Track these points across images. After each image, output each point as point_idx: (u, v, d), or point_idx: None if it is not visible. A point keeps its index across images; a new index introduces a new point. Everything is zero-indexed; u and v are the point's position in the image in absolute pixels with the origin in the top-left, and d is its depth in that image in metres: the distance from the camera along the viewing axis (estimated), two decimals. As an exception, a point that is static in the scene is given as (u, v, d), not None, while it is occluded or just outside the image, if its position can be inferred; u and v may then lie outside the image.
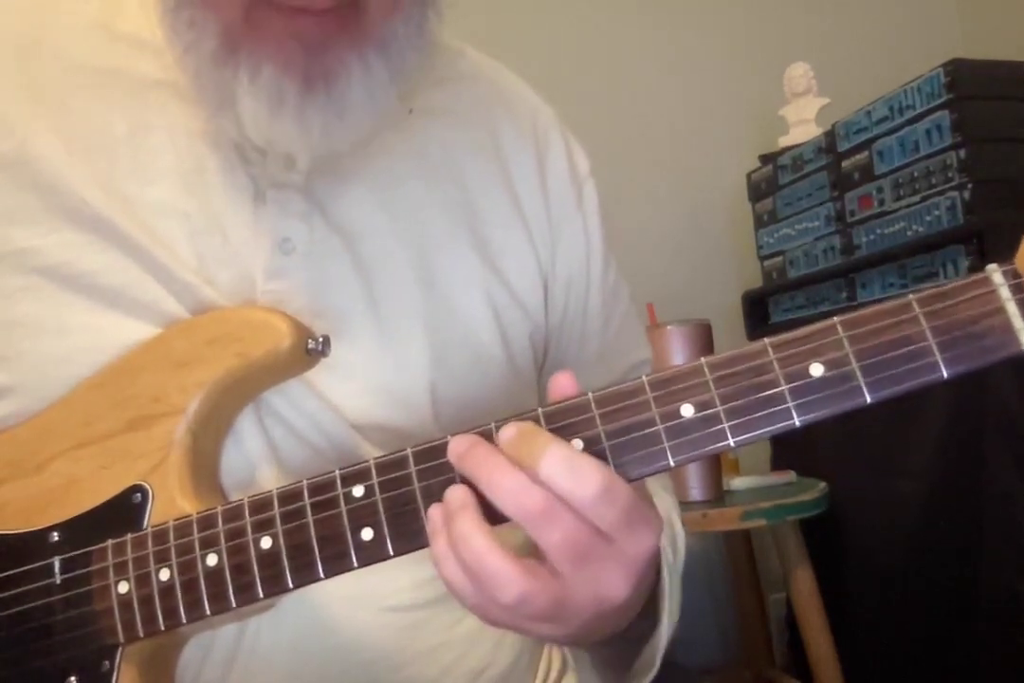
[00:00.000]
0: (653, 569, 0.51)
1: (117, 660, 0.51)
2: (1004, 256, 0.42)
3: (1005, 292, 0.41)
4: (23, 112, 0.58)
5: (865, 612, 1.55)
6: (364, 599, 0.58)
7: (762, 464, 1.78)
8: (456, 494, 0.45)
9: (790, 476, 1.60)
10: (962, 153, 1.33)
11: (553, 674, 0.69)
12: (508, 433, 0.45)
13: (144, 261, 0.56)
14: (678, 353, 1.42)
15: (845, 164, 1.59)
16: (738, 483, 1.56)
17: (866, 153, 1.53)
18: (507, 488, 0.43)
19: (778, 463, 1.76)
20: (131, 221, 0.56)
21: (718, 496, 1.48)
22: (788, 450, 1.74)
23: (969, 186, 1.32)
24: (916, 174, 1.42)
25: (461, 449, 0.46)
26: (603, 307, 0.73)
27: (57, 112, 0.58)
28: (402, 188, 0.63)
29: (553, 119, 0.73)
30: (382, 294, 0.61)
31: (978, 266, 1.37)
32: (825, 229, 1.66)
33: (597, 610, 0.46)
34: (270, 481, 0.56)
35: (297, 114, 0.52)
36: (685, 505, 1.44)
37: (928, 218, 1.40)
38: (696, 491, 1.46)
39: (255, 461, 0.57)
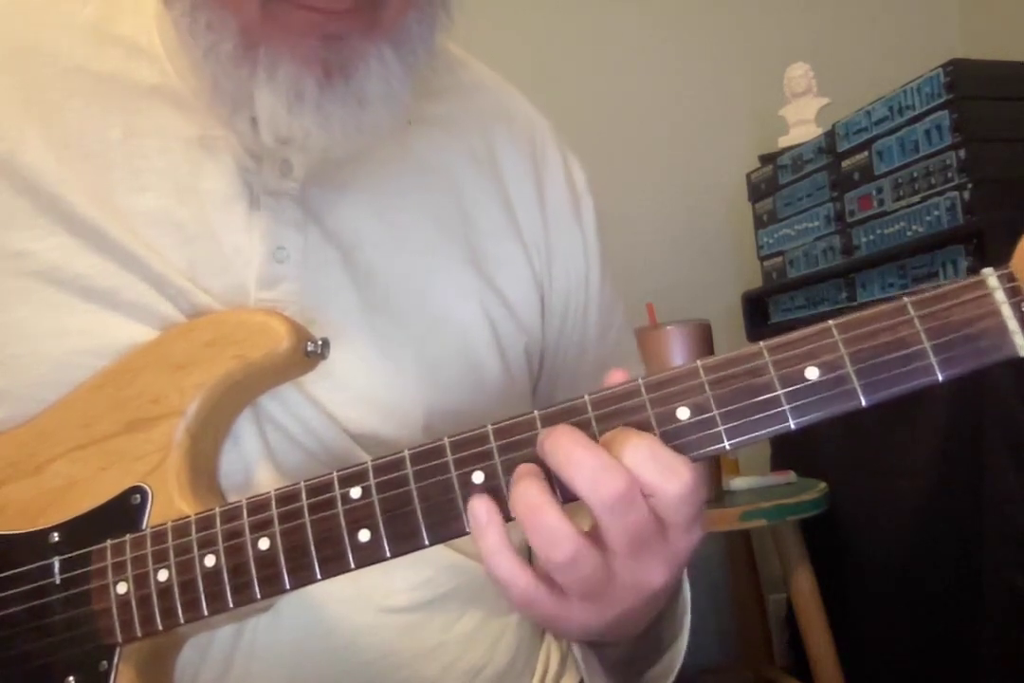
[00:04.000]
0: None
1: (115, 660, 0.51)
2: (1004, 256, 0.42)
3: (1000, 295, 0.41)
4: (15, 117, 0.58)
5: (865, 612, 1.55)
6: (362, 600, 0.58)
7: (762, 464, 1.78)
8: (527, 466, 0.45)
9: (790, 476, 1.60)
10: (962, 153, 1.33)
11: (551, 674, 0.69)
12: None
13: (137, 268, 0.56)
14: (678, 353, 1.43)
15: (845, 164, 1.59)
16: (738, 483, 1.56)
17: (866, 153, 1.53)
18: (589, 465, 0.43)
19: (778, 463, 1.77)
20: (122, 230, 0.56)
21: (718, 496, 1.48)
22: (788, 450, 1.74)
23: (969, 186, 1.32)
24: (916, 174, 1.42)
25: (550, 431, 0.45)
26: (600, 320, 0.73)
27: (50, 117, 0.58)
28: (398, 198, 0.63)
29: (551, 133, 0.73)
30: (376, 305, 0.60)
31: (978, 266, 1.37)
32: (825, 229, 1.66)
33: (636, 596, 0.46)
34: (267, 483, 0.56)
35: (316, 108, 0.52)
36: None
37: (928, 218, 1.40)
38: (696, 491, 1.46)
39: (252, 463, 0.57)
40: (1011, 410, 1.22)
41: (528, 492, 0.43)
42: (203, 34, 0.53)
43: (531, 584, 0.45)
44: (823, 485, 1.52)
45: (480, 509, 0.45)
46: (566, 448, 0.43)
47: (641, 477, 0.43)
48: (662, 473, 0.42)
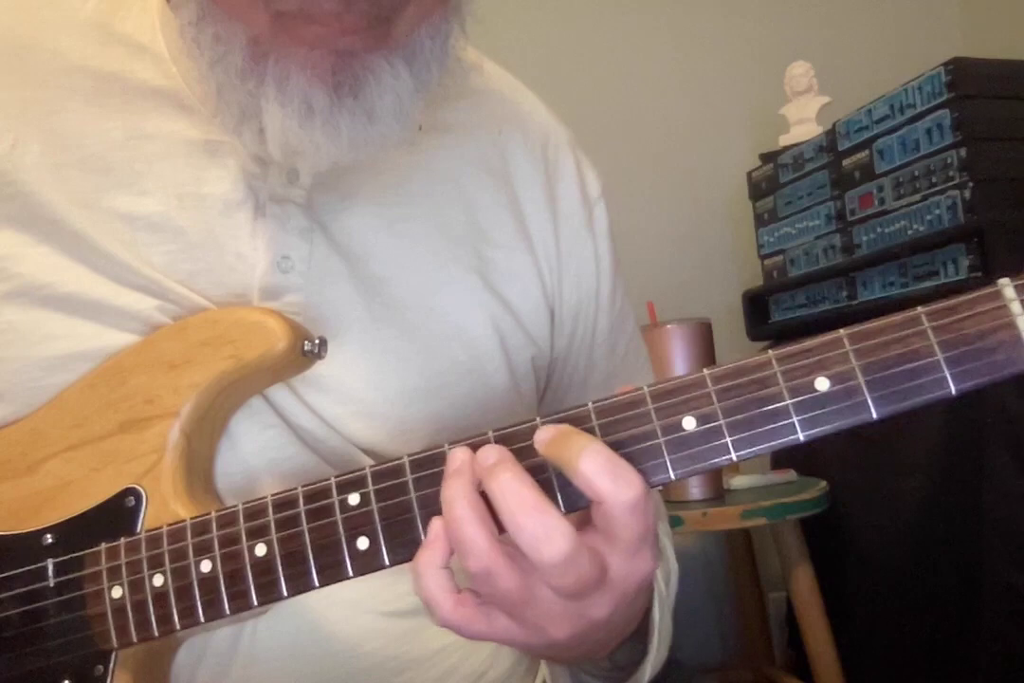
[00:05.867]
0: (644, 594, 0.50)
1: (111, 665, 0.50)
2: (1004, 256, 0.41)
3: (1016, 307, 0.40)
4: (13, 118, 0.56)
5: (865, 611, 1.54)
6: (363, 604, 0.57)
7: (762, 463, 1.78)
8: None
9: (790, 475, 1.59)
10: (963, 152, 1.33)
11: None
12: (547, 433, 0.44)
13: (127, 277, 0.55)
14: (678, 352, 1.42)
15: (846, 163, 1.58)
16: (738, 482, 1.56)
17: (867, 152, 1.52)
18: (530, 529, 0.41)
19: (778, 462, 1.76)
20: (113, 238, 0.55)
21: (718, 495, 1.48)
22: (788, 449, 1.73)
23: (969, 185, 1.32)
24: (916, 173, 1.41)
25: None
26: (611, 332, 0.71)
27: (49, 118, 0.56)
28: (405, 207, 0.62)
29: (565, 140, 0.71)
30: (382, 317, 0.59)
31: (978, 265, 1.37)
32: (825, 228, 1.65)
33: (574, 623, 0.45)
34: (267, 486, 0.56)
35: (326, 122, 0.51)
36: (685, 504, 1.44)
37: (928, 217, 1.40)
38: (696, 490, 1.46)
39: (251, 465, 0.56)
40: (1010, 408, 1.22)
41: (452, 505, 0.43)
42: (210, 45, 0.52)
43: (452, 606, 0.44)
44: (823, 484, 1.51)
45: (434, 524, 0.44)
46: (507, 499, 0.42)
47: (595, 484, 0.41)
48: (616, 482, 0.41)
